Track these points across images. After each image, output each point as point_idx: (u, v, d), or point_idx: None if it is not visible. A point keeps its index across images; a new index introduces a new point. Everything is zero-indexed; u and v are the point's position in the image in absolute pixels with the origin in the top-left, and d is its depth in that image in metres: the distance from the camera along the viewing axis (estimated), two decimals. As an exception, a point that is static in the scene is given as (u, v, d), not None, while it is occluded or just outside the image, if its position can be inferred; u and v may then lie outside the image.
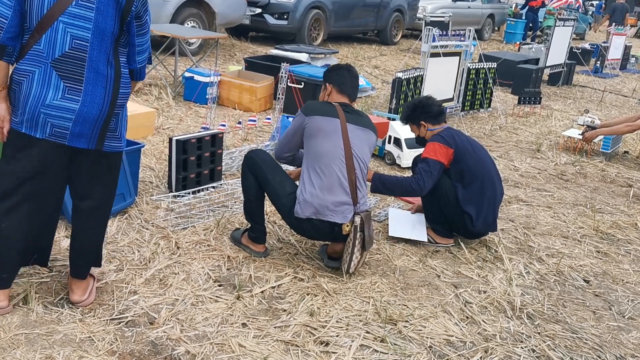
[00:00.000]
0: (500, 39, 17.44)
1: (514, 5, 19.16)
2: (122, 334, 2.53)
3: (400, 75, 6.20)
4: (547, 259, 3.72)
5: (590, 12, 22.05)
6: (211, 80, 5.34)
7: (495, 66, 7.75)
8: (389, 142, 5.21)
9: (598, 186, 5.28)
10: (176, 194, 3.88)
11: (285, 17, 10.61)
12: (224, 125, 4.95)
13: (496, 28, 17.94)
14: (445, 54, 6.78)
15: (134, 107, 5.03)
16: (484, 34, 16.62)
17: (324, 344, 2.63)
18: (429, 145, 3.59)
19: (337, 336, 2.69)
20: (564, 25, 9.75)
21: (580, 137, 6.09)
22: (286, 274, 3.17)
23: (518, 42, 14.54)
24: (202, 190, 4.04)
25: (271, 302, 2.90)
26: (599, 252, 3.92)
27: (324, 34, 11.41)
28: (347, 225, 3.06)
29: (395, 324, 2.83)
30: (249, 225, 3.35)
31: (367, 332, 2.74)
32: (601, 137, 6.07)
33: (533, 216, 4.39)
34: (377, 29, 13.15)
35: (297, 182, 3.23)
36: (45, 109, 2.31)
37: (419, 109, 3.79)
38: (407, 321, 2.87)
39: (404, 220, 3.82)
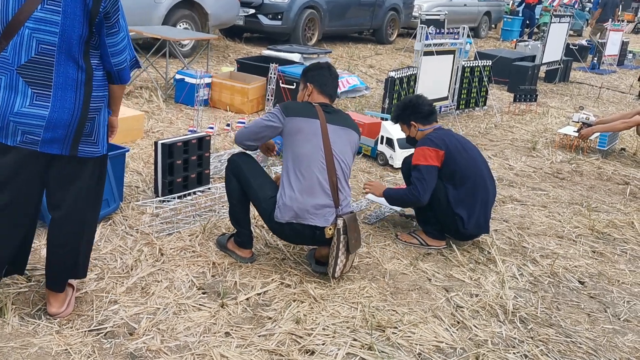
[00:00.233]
0: (497, 37, 17.35)
1: (510, 2, 19.07)
2: (100, 346, 2.45)
3: (393, 74, 6.12)
4: (542, 260, 3.64)
5: (587, 9, 21.94)
6: (198, 82, 5.25)
7: (490, 64, 7.67)
8: (382, 143, 5.13)
9: (594, 184, 5.20)
10: (162, 198, 3.80)
11: (279, 17, 10.53)
12: (212, 128, 4.88)
13: (493, 26, 17.84)
14: (439, 52, 6.70)
15: (122, 111, 4.91)
16: (480, 32, 16.54)
17: (309, 353, 2.55)
18: (418, 150, 3.51)
19: (323, 344, 2.61)
20: (559, 22, 9.67)
21: (576, 134, 6.01)
22: (273, 280, 3.09)
23: (515, 40, 14.45)
24: (189, 194, 3.96)
25: (256, 310, 2.82)
26: (594, 252, 3.84)
27: (319, 34, 11.33)
28: (330, 229, 2.98)
29: (384, 331, 2.75)
30: (235, 230, 3.28)
31: (354, 340, 2.66)
32: (597, 134, 6.00)
33: (527, 216, 4.32)
34: (372, 28, 13.07)
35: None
36: (14, 117, 2.24)
37: (409, 109, 3.71)
38: (396, 327, 2.79)
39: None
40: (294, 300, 2.92)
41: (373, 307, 2.93)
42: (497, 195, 4.38)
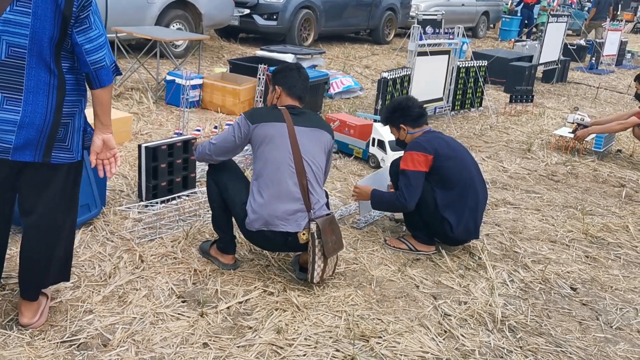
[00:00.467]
0: (495, 37, 17.25)
1: (509, 2, 18.97)
2: (72, 358, 2.37)
3: (386, 75, 6.04)
4: (533, 265, 3.56)
5: (586, 8, 21.84)
6: (183, 83, 5.16)
7: (485, 64, 7.59)
8: (373, 145, 5.04)
9: (589, 187, 5.11)
10: (146, 203, 3.72)
11: (274, 17, 10.45)
12: (199, 131, 4.79)
13: (491, 25, 17.75)
14: (434, 53, 6.61)
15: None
16: (478, 32, 16.46)
17: (289, 365, 2.48)
18: (406, 155, 3.43)
19: (304, 355, 2.53)
20: (557, 22, 9.59)
21: (572, 135, 5.93)
22: (255, 287, 3.01)
23: (512, 40, 14.36)
24: (174, 198, 3.88)
25: (236, 319, 2.74)
26: (587, 257, 3.76)
27: (315, 34, 11.24)
28: (303, 234, 2.89)
29: (368, 341, 2.67)
30: (218, 236, 3.20)
31: (337, 351, 2.58)
32: (593, 135, 5.91)
33: (520, 220, 4.23)
34: (369, 28, 12.99)
35: None
36: None
37: (398, 111, 3.63)
38: (380, 337, 2.71)
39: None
40: (276, 309, 2.83)
41: (358, 315, 2.85)
42: (490, 198, 4.29)
